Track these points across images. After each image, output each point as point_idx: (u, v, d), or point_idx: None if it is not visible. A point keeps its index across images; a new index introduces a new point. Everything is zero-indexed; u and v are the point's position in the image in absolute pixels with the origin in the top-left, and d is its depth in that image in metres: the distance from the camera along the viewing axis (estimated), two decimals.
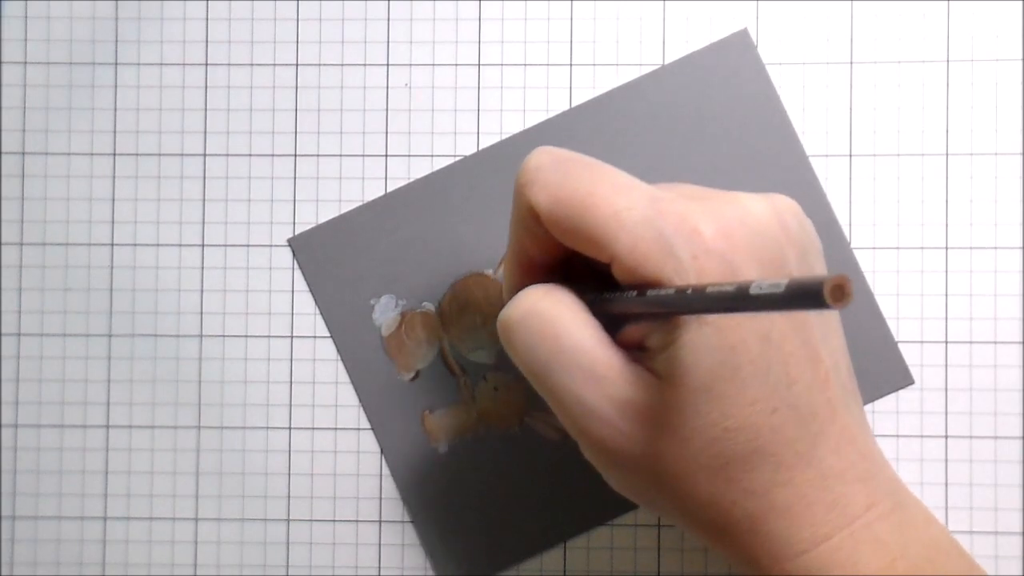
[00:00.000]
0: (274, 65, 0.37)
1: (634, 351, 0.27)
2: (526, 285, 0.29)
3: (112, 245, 0.37)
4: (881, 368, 0.36)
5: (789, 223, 0.27)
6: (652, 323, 0.26)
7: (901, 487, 0.28)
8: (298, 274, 0.37)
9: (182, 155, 0.37)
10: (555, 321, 0.27)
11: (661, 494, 0.27)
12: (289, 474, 0.37)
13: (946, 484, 0.36)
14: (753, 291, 0.20)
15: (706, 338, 0.25)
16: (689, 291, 0.23)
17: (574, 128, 0.37)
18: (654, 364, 0.26)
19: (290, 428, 0.37)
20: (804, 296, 0.19)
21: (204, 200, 0.37)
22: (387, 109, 0.37)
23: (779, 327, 0.26)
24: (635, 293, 0.26)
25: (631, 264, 0.26)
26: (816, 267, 0.28)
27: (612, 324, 0.27)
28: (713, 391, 0.25)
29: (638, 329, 0.27)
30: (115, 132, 0.37)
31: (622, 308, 0.27)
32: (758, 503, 0.26)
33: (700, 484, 0.26)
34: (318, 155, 0.37)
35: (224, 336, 0.37)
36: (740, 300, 0.21)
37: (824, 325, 0.28)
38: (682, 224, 0.26)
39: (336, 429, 0.37)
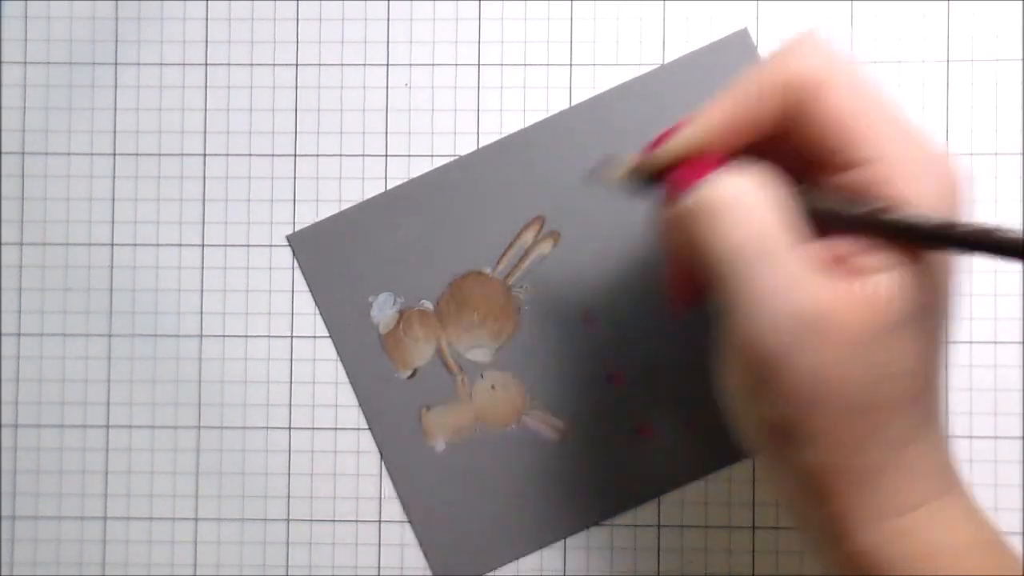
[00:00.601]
0: (274, 65, 0.37)
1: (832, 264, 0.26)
2: (707, 143, 0.28)
3: (112, 245, 0.37)
4: None
5: None
6: (867, 242, 0.25)
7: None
8: (298, 274, 0.37)
9: (182, 155, 0.37)
10: (757, 211, 0.26)
11: (798, 430, 0.26)
12: (289, 474, 0.37)
13: None
14: None
15: (924, 274, 0.25)
16: (961, 227, 0.24)
17: (574, 128, 0.37)
18: (864, 283, 0.25)
19: (290, 428, 0.37)
20: None
21: (204, 200, 0.37)
22: (387, 109, 0.37)
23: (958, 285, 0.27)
24: (863, 206, 0.25)
25: (896, 175, 0.25)
26: None
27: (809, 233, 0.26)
28: (907, 328, 0.25)
29: (849, 244, 0.26)
30: (115, 132, 0.37)
31: (849, 221, 0.26)
32: (886, 456, 0.26)
33: (846, 424, 0.25)
34: (318, 155, 0.37)
35: (224, 336, 0.37)
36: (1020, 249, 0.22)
37: None
38: (940, 161, 0.26)
39: (336, 429, 0.37)
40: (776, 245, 0.25)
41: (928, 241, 0.25)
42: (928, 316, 0.26)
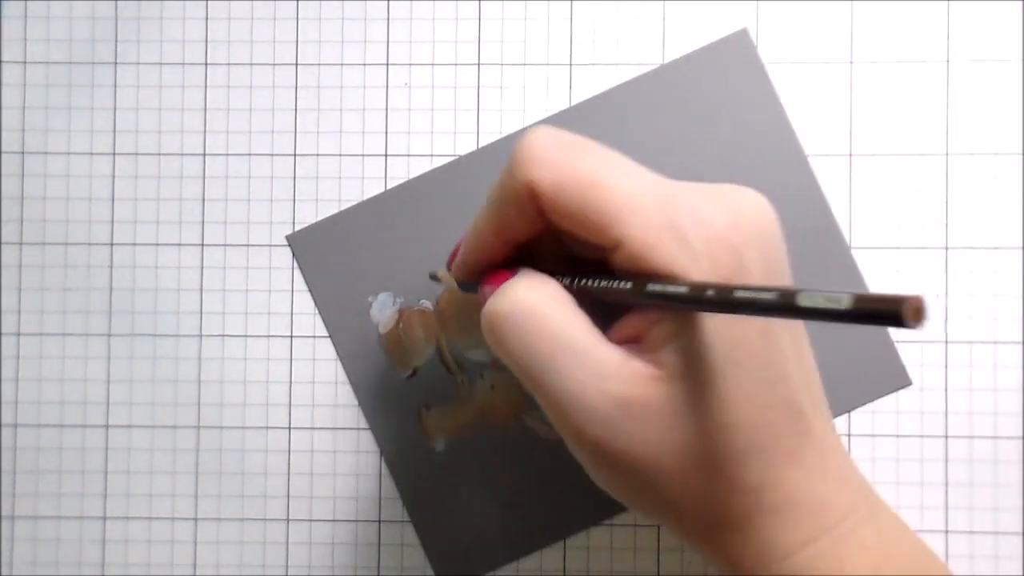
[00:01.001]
0: (274, 65, 0.37)
1: (628, 345, 0.26)
2: (491, 261, 0.29)
3: (112, 245, 0.37)
4: (879, 369, 0.36)
5: (775, 217, 0.27)
6: (652, 315, 0.26)
7: (873, 491, 0.28)
8: (297, 274, 0.37)
9: (182, 155, 0.37)
10: (548, 317, 0.26)
11: (655, 493, 0.27)
12: (288, 474, 0.37)
13: (946, 484, 0.36)
14: (804, 303, 0.20)
15: (710, 333, 0.25)
16: (710, 292, 0.23)
17: (574, 127, 0.37)
18: (657, 358, 0.26)
19: (289, 428, 0.37)
20: (876, 314, 0.18)
21: (204, 200, 0.37)
22: (387, 109, 0.37)
23: (777, 323, 0.26)
24: (629, 284, 0.25)
25: (639, 250, 0.25)
26: (787, 261, 0.28)
27: (599, 314, 0.27)
28: (717, 386, 0.25)
29: (638, 321, 0.26)
30: (115, 132, 0.37)
31: (620, 298, 0.26)
32: (749, 501, 0.26)
33: (696, 482, 0.26)
34: (317, 155, 0.37)
35: (224, 336, 0.37)
36: (784, 310, 0.20)
37: (802, 325, 0.28)
38: (694, 213, 0.25)
39: (335, 429, 0.37)
40: (569, 344, 0.26)
41: (688, 305, 0.24)
42: (738, 363, 0.25)
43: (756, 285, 0.22)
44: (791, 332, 0.26)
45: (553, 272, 0.28)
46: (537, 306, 0.26)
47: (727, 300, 0.22)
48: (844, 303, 0.19)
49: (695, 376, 0.25)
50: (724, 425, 0.25)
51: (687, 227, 0.25)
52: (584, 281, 0.27)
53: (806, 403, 0.26)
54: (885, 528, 0.27)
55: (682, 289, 0.24)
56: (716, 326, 0.25)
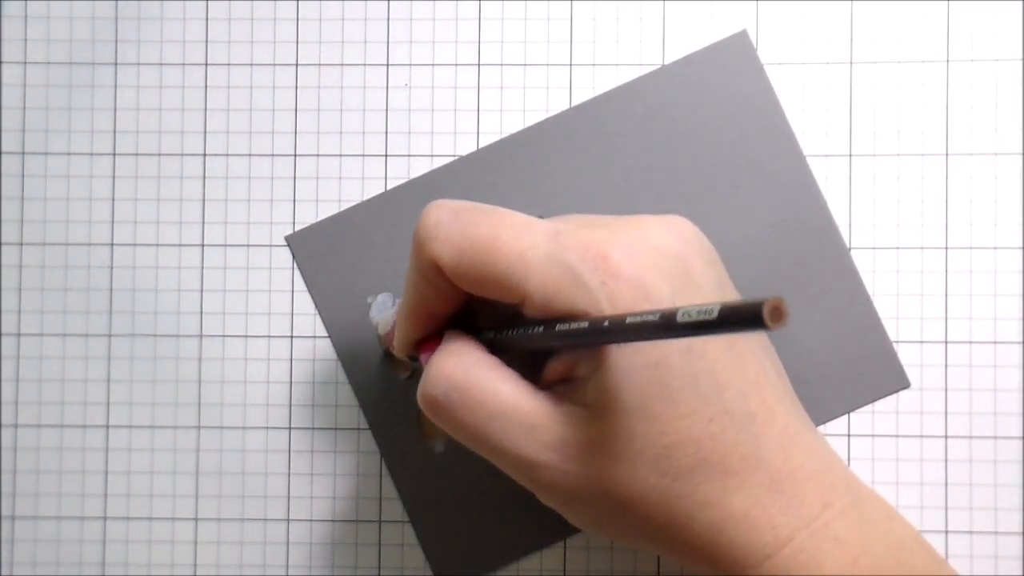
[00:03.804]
0: (274, 65, 0.37)
1: (561, 385, 0.27)
2: (422, 336, 0.30)
3: (112, 245, 0.37)
4: (878, 371, 0.36)
5: (689, 237, 0.28)
6: (574, 355, 0.27)
7: (858, 483, 0.28)
8: (297, 274, 0.37)
9: (182, 155, 0.37)
10: (473, 388, 0.27)
11: (623, 522, 0.27)
12: (289, 474, 0.37)
13: (946, 484, 0.36)
14: (681, 319, 0.20)
15: (628, 360, 0.26)
16: (606, 323, 0.24)
17: (573, 128, 0.37)
18: (583, 395, 0.26)
19: (290, 428, 0.37)
20: (741, 320, 0.19)
21: (204, 200, 0.37)
22: (387, 109, 0.37)
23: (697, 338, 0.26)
24: (541, 328, 0.26)
25: (542, 301, 0.26)
26: (723, 276, 0.29)
27: (528, 361, 0.28)
28: (646, 411, 0.26)
29: (561, 364, 0.27)
30: (115, 132, 0.37)
31: (536, 344, 0.27)
32: (715, 513, 0.26)
33: (654, 505, 0.26)
34: (318, 155, 0.37)
35: (224, 336, 0.37)
36: (666, 329, 0.21)
37: (746, 334, 0.28)
38: (586, 252, 0.26)
39: (336, 429, 0.37)
40: (496, 407, 0.27)
41: (593, 338, 0.25)
42: (664, 384, 0.26)
43: (644, 310, 0.22)
44: (724, 342, 0.27)
45: (481, 329, 0.29)
46: (463, 380, 0.27)
47: (621, 327, 0.23)
48: (714, 313, 0.19)
49: (621, 405, 0.26)
50: (664, 447, 0.26)
51: (582, 269, 0.26)
52: (506, 332, 0.28)
53: (756, 407, 0.27)
54: (867, 519, 0.27)
55: (583, 324, 0.25)
56: (631, 354, 0.26)
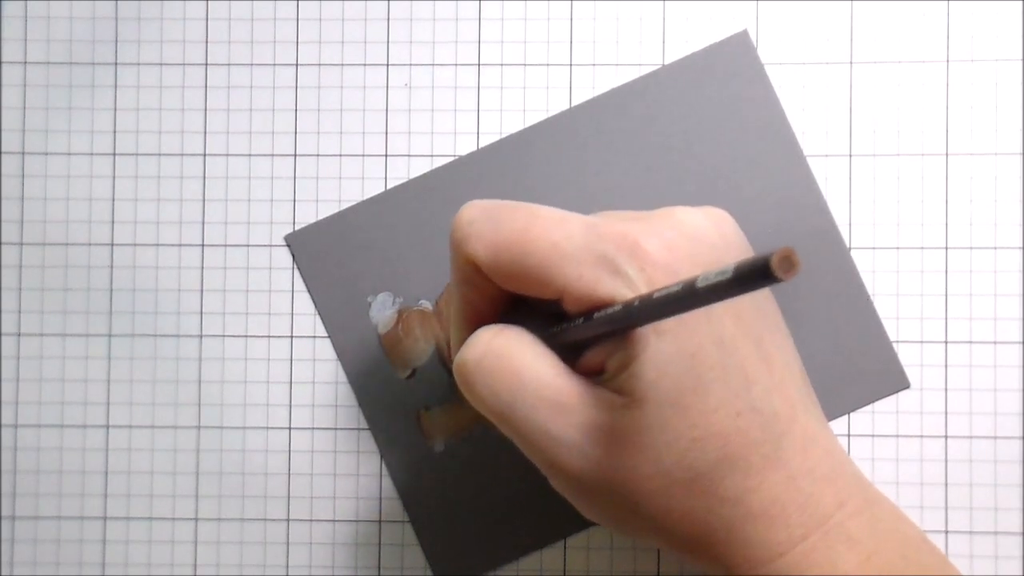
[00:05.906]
0: (274, 65, 0.37)
1: (596, 376, 0.27)
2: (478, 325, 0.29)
3: (112, 245, 0.37)
4: (878, 371, 0.36)
5: (726, 230, 0.28)
6: (610, 345, 0.26)
7: (868, 484, 0.29)
8: (297, 274, 0.37)
9: (182, 155, 0.37)
10: (512, 357, 0.27)
11: (636, 515, 0.27)
12: (289, 474, 0.37)
13: (946, 484, 0.36)
14: (700, 284, 0.21)
15: (664, 351, 0.25)
16: (636, 302, 0.24)
17: (574, 128, 0.37)
18: (617, 385, 0.26)
19: (290, 428, 0.37)
20: (754, 274, 0.19)
21: (204, 200, 0.37)
22: (387, 109, 0.37)
23: (730, 331, 0.26)
24: (581, 320, 0.26)
25: (581, 292, 0.26)
26: None
27: (570, 355, 0.28)
28: (678, 403, 0.26)
29: (597, 354, 0.27)
30: (115, 132, 0.37)
31: (575, 335, 0.27)
32: (733, 510, 0.26)
33: (675, 499, 0.26)
34: (318, 155, 0.37)
35: (224, 336, 0.37)
36: (689, 297, 0.21)
37: (771, 327, 0.28)
38: (623, 242, 0.26)
39: (336, 429, 0.37)
40: (531, 380, 0.27)
41: (626, 321, 0.25)
42: (698, 377, 0.26)
43: (668, 285, 0.23)
44: (752, 338, 0.27)
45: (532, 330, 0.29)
46: (501, 349, 0.27)
47: (650, 304, 0.23)
48: (729, 272, 0.20)
49: (654, 396, 0.26)
50: (692, 440, 0.26)
51: (618, 258, 0.26)
52: (552, 329, 0.28)
53: (780, 405, 0.27)
54: (879, 519, 0.27)
55: (617, 308, 0.25)
56: (668, 344, 0.26)
